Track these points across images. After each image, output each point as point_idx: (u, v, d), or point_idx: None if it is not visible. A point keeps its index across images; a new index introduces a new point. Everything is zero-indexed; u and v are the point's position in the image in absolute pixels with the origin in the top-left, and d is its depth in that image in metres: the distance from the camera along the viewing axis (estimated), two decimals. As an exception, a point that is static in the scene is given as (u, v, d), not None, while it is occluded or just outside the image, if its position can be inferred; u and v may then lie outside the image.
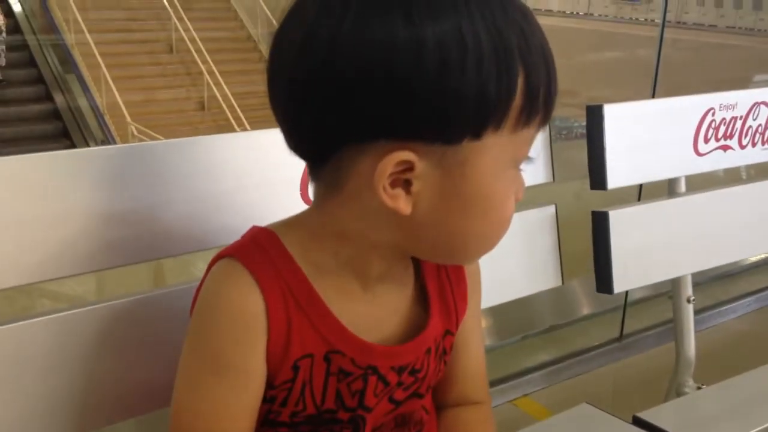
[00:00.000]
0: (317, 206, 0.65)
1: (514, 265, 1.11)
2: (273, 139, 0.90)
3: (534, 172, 1.10)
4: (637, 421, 1.14)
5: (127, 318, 0.79)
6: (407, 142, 0.57)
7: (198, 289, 0.66)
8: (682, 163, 1.26)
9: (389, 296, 0.68)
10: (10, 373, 0.73)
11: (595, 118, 1.16)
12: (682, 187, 1.30)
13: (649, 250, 1.23)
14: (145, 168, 0.79)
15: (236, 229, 0.81)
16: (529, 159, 0.64)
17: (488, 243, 0.66)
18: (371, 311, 0.67)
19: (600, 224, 1.18)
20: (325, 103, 0.57)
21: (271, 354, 0.63)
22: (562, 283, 1.17)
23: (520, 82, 0.57)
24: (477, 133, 0.57)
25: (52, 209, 0.75)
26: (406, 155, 0.57)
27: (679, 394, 1.39)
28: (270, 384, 0.65)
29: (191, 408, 0.64)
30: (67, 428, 0.76)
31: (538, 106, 0.60)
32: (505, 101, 0.57)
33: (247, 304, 0.62)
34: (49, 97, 8.80)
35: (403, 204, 0.59)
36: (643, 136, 1.21)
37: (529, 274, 1.13)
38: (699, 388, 1.38)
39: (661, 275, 1.28)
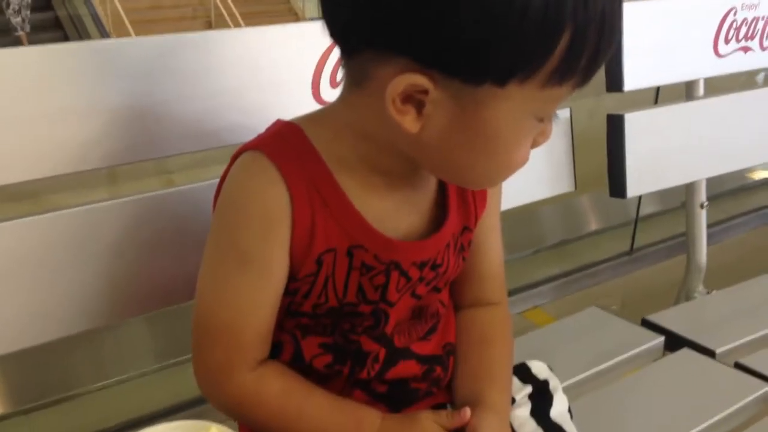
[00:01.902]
0: (342, 98, 0.64)
1: (528, 168, 1.10)
2: (286, 35, 0.89)
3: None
4: (646, 323, 1.15)
5: (144, 215, 0.79)
6: (427, 67, 0.55)
7: (221, 182, 0.66)
8: (701, 65, 1.23)
9: (411, 193, 0.68)
10: (31, 265, 0.75)
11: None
12: (701, 90, 1.28)
13: (663, 154, 1.22)
14: (156, 63, 0.78)
15: (249, 127, 0.80)
16: (555, 116, 0.61)
17: (490, 181, 0.67)
18: (393, 207, 0.67)
19: (615, 128, 1.16)
20: (361, 2, 0.55)
21: (295, 247, 0.63)
22: (575, 188, 1.17)
23: (564, 41, 0.53)
24: (500, 82, 0.54)
25: (63, 103, 0.74)
26: (421, 80, 0.55)
27: (689, 299, 1.40)
28: (293, 277, 0.65)
29: (215, 299, 0.65)
30: (92, 319, 0.78)
31: (576, 70, 0.55)
32: (539, 59, 0.53)
33: (272, 196, 0.62)
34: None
35: (409, 122, 0.58)
36: (662, 37, 1.18)
37: (543, 178, 1.13)
38: (708, 293, 1.39)
39: (675, 180, 1.27)
